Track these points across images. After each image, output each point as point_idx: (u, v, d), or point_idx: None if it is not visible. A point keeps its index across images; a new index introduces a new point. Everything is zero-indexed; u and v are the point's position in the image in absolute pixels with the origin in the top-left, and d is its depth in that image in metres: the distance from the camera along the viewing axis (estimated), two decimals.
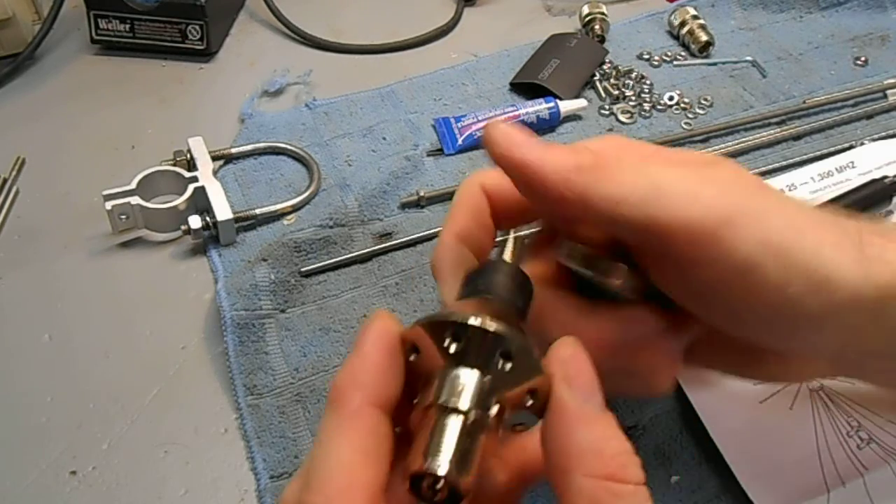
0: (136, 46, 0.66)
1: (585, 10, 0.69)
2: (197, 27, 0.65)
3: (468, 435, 0.25)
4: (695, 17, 0.67)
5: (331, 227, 0.52)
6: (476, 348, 0.26)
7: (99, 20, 0.66)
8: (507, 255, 0.32)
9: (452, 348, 0.26)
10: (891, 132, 0.58)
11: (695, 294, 0.30)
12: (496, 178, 0.34)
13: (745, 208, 0.28)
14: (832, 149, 0.57)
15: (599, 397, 0.26)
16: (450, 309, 0.28)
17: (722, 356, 0.35)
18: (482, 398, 0.25)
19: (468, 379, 0.25)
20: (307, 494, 0.24)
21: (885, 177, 0.51)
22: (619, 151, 0.32)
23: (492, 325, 0.25)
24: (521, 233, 0.34)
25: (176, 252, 0.52)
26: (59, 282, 0.50)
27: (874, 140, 0.57)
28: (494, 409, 0.26)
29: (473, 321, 0.25)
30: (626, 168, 0.29)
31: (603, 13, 0.68)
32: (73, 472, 0.41)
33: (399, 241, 0.51)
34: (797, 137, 0.59)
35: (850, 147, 0.57)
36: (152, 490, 0.41)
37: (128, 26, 0.65)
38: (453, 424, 0.24)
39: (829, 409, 0.41)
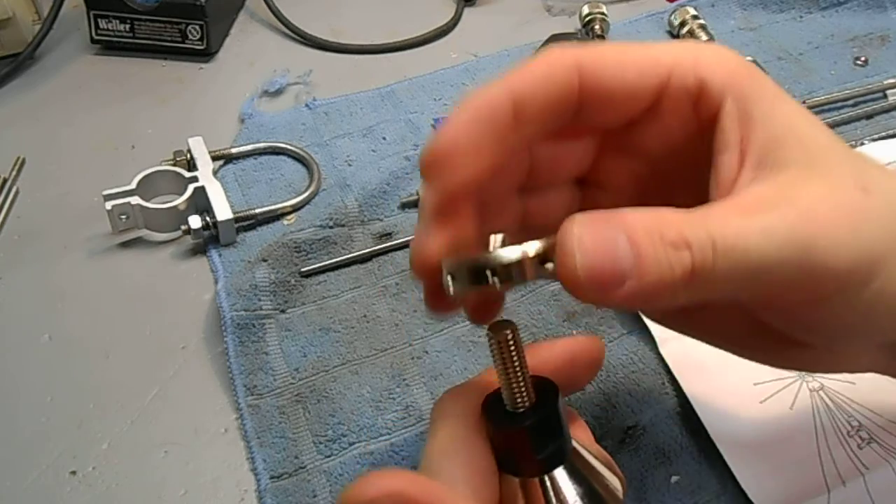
0: (136, 46, 0.66)
1: (585, 10, 0.68)
2: (197, 27, 0.65)
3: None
4: (695, 17, 0.67)
5: (331, 227, 0.52)
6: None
7: (99, 20, 0.66)
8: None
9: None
10: (891, 132, 0.58)
11: (793, 318, 0.28)
12: (601, 62, 0.28)
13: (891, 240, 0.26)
14: None
15: None
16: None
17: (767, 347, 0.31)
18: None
19: None
20: None
21: None
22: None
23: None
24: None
25: (176, 252, 0.52)
26: (59, 282, 0.50)
27: (874, 140, 0.57)
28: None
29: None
30: (761, 221, 0.24)
31: (603, 13, 0.68)
32: (73, 472, 0.41)
33: (399, 241, 0.51)
34: None
35: (850, 147, 0.57)
36: (152, 490, 0.41)
37: (128, 26, 0.65)
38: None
39: (829, 409, 0.41)
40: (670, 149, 0.31)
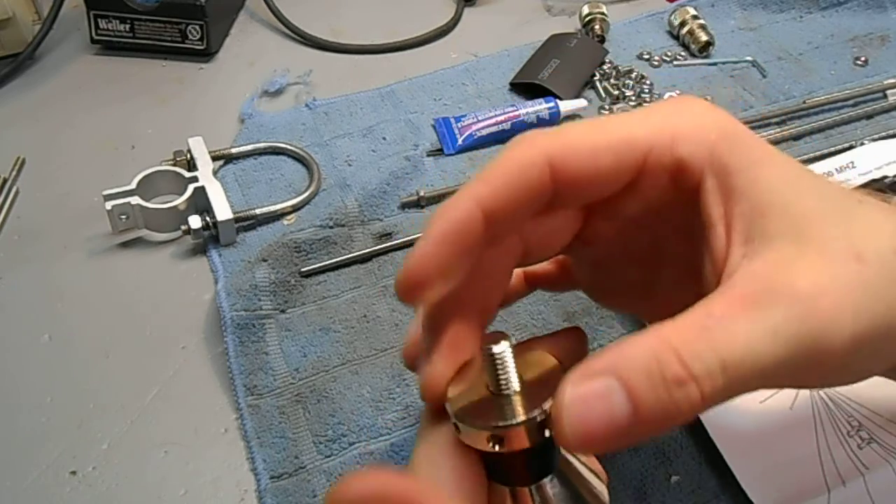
0: (136, 46, 0.66)
1: (585, 10, 0.69)
2: (197, 27, 0.65)
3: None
4: (695, 17, 0.67)
5: (331, 227, 0.52)
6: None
7: (99, 20, 0.66)
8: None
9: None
10: (891, 132, 0.58)
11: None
12: (573, 152, 0.28)
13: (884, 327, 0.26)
14: (832, 149, 0.57)
15: None
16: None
17: None
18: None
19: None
20: None
21: (885, 177, 0.51)
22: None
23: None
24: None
25: (176, 252, 0.52)
26: (59, 282, 0.50)
27: (874, 140, 0.57)
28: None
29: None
30: (750, 327, 0.24)
31: (603, 13, 0.68)
32: (73, 472, 0.41)
33: (399, 241, 0.51)
34: (797, 137, 0.59)
35: (850, 147, 0.57)
36: (152, 490, 0.41)
37: (128, 26, 0.65)
38: None
39: (829, 409, 0.41)
40: (653, 212, 0.30)
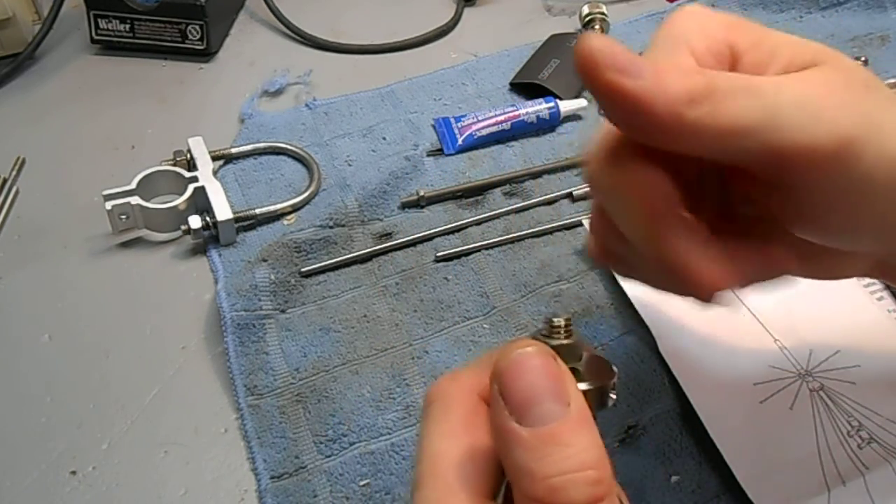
0: (136, 46, 0.66)
1: (585, 10, 0.68)
2: (197, 27, 0.65)
3: None
4: None
5: (331, 227, 0.52)
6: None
7: (99, 20, 0.66)
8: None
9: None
10: None
11: (800, 211, 0.29)
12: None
13: (868, 124, 0.27)
14: None
15: (542, 409, 0.24)
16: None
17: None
18: None
19: None
20: None
21: None
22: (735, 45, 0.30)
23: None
24: None
25: (176, 252, 0.52)
26: (59, 282, 0.51)
27: None
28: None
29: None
30: (739, 91, 0.26)
31: (603, 13, 0.68)
32: (73, 472, 0.41)
33: (399, 241, 0.51)
34: None
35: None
36: (152, 490, 0.41)
37: (128, 26, 0.65)
38: None
39: (829, 409, 0.41)
40: None
